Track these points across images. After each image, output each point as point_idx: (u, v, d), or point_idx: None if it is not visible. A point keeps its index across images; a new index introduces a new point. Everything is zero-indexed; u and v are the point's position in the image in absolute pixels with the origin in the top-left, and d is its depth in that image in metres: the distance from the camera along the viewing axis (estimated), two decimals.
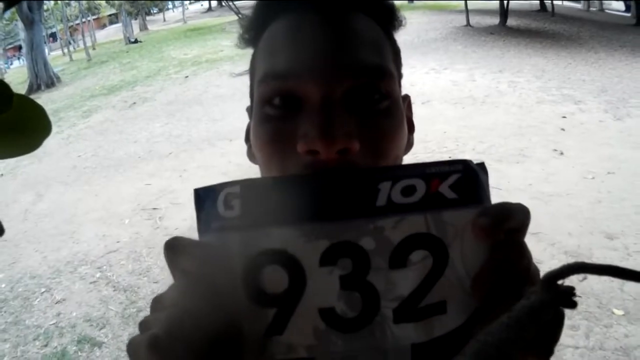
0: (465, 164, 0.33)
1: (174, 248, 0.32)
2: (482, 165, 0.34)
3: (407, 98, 0.53)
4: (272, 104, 0.42)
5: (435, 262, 0.33)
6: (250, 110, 0.51)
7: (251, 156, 0.51)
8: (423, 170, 0.33)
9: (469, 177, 0.33)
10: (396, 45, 0.50)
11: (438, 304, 0.33)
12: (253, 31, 0.49)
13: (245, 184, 0.33)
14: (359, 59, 0.42)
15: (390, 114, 0.43)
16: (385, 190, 0.33)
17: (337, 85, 0.40)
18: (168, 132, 6.88)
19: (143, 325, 0.31)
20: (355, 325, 0.32)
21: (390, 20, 0.49)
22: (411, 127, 0.52)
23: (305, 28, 0.43)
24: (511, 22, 14.64)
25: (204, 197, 0.33)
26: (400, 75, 0.50)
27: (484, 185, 0.34)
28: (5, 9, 0.19)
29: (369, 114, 0.42)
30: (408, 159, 0.48)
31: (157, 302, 0.32)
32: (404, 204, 0.33)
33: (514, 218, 0.32)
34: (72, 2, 28.14)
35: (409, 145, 0.51)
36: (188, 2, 42.51)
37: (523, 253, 0.32)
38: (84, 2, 26.50)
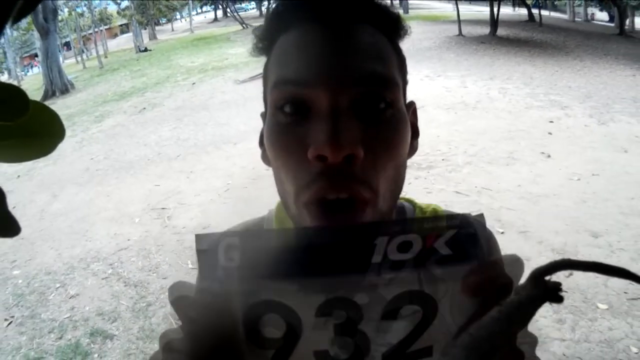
0: (462, 220, 0.32)
1: (178, 296, 0.32)
2: (480, 217, 0.33)
3: (412, 105, 0.52)
4: (284, 110, 0.43)
5: (424, 315, 0.32)
6: (263, 116, 0.51)
7: (265, 159, 0.50)
8: (421, 225, 0.32)
9: (465, 233, 0.32)
10: (401, 54, 0.50)
11: (425, 349, 0.33)
12: (266, 41, 0.49)
13: (245, 236, 0.33)
14: (365, 69, 0.42)
15: (394, 122, 0.43)
16: (381, 245, 0.32)
17: (343, 93, 0.40)
18: (176, 136, 6.88)
19: None
20: None
21: (395, 29, 0.49)
22: (415, 133, 0.51)
23: (315, 38, 0.43)
24: (501, 31, 14.65)
25: (205, 244, 0.32)
26: (405, 83, 0.50)
27: (480, 241, 0.32)
28: (15, 21, 0.19)
29: (374, 122, 0.42)
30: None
31: (167, 343, 0.33)
32: (399, 261, 0.32)
33: (506, 276, 0.31)
34: (85, 13, 28.18)
35: (413, 150, 0.51)
36: (195, 12, 42.54)
37: None
38: (96, 12, 26.51)
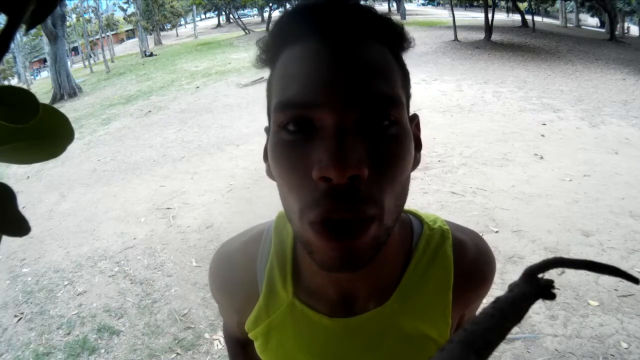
0: None
1: None
2: None
3: (415, 118, 0.51)
4: (287, 129, 0.42)
5: None
6: (267, 130, 0.49)
7: (270, 174, 0.49)
8: None
9: None
10: (405, 69, 0.48)
11: None
12: (270, 53, 0.47)
13: None
14: (370, 89, 0.40)
15: (398, 140, 0.42)
16: None
17: (348, 113, 0.40)
18: (181, 138, 6.88)
19: None
20: None
21: (399, 43, 0.47)
22: (418, 145, 0.51)
23: (318, 56, 0.42)
24: (495, 37, 14.66)
25: None
26: (408, 97, 0.48)
27: None
28: (28, 28, 0.19)
29: (378, 140, 0.41)
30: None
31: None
32: None
33: None
34: (92, 19, 28.19)
35: (416, 162, 0.50)
36: (199, 18, 42.56)
37: None
38: (103, 18, 26.52)
